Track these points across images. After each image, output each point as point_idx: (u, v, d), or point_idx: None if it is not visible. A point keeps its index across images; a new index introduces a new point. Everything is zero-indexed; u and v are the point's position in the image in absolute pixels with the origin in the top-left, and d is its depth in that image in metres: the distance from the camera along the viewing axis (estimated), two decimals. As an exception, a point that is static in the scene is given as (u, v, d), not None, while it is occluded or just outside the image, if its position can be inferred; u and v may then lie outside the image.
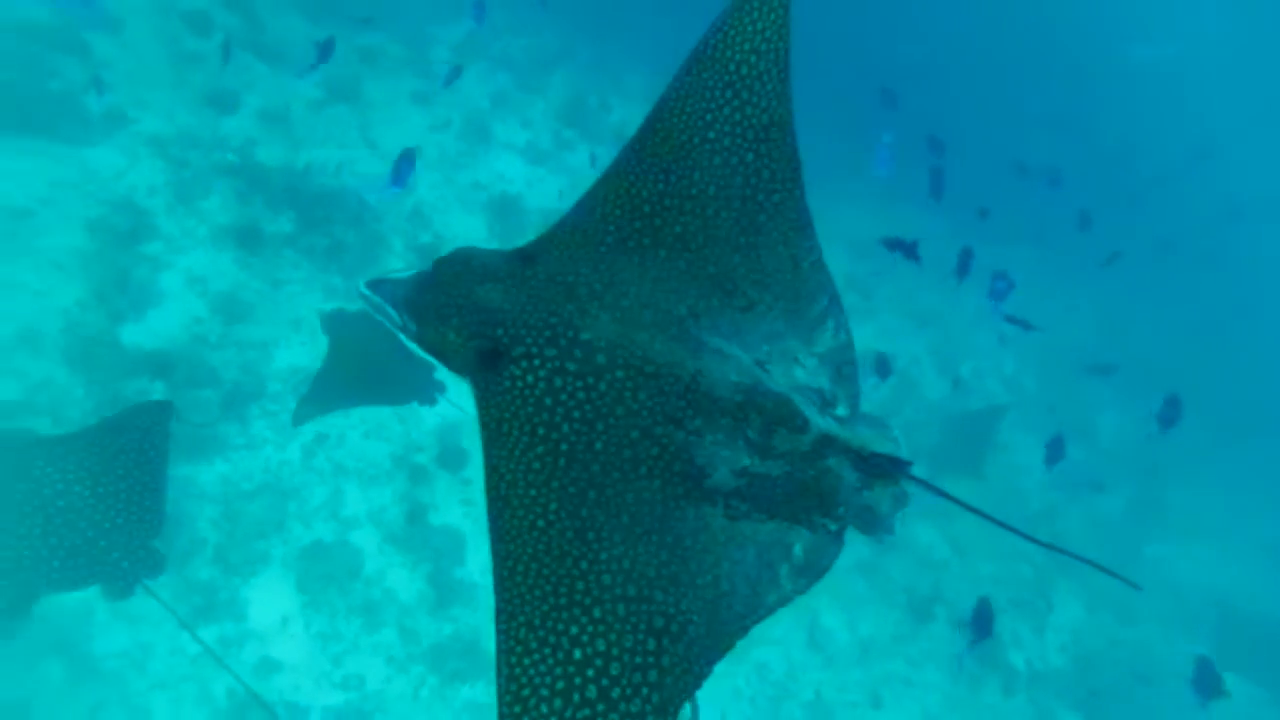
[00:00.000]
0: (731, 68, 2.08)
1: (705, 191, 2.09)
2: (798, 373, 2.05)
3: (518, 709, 1.58)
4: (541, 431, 1.82)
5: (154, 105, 7.21)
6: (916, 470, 2.03)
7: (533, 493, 1.79)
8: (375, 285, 1.99)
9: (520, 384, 1.85)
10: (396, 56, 9.47)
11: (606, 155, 5.98)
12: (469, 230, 7.70)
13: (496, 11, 11.02)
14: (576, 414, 1.83)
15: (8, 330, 5.42)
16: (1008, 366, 10.43)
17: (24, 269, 5.75)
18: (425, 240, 7.51)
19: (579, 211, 2.12)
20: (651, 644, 1.68)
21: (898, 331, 9.87)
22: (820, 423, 1.97)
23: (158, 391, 5.74)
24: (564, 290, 1.95)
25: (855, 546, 2.00)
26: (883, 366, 6.54)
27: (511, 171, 8.66)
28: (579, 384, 1.85)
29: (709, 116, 2.09)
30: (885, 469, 2.00)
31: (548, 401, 1.83)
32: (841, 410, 2.08)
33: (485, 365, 1.89)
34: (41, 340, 5.58)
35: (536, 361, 1.85)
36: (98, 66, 7.08)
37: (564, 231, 2.10)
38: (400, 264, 7.20)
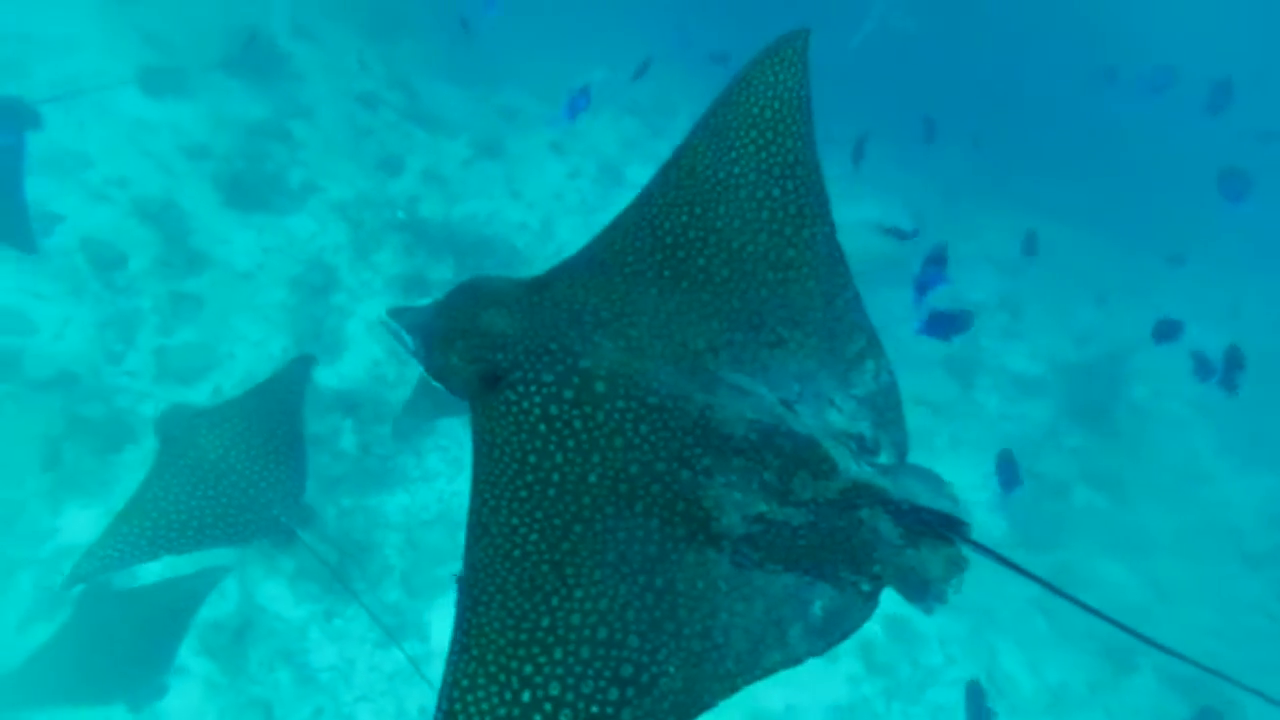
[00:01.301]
0: (755, 110, 2.13)
1: (730, 225, 2.07)
2: (832, 415, 1.93)
3: None
4: (533, 460, 1.77)
5: (337, 174, 8.45)
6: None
7: (514, 521, 1.73)
8: (396, 314, 2.09)
9: (515, 409, 1.81)
10: (533, 112, 10.45)
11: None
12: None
13: (622, 62, 11.88)
14: (571, 443, 1.78)
15: (236, 374, 6.49)
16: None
17: (246, 322, 6.90)
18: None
19: (598, 243, 2.14)
20: (614, 694, 1.58)
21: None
22: (851, 469, 1.83)
23: (347, 429, 6.60)
24: (568, 317, 1.93)
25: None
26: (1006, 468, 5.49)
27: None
28: (575, 412, 1.79)
29: (733, 154, 2.11)
30: (933, 527, 1.81)
31: (542, 429, 1.79)
32: (884, 458, 1.94)
33: (483, 389, 1.87)
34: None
35: (533, 387, 1.82)
36: (296, 147, 8.44)
37: (580, 261, 2.11)
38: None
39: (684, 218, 2.09)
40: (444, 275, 7.91)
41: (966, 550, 1.82)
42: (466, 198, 8.81)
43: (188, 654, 5.34)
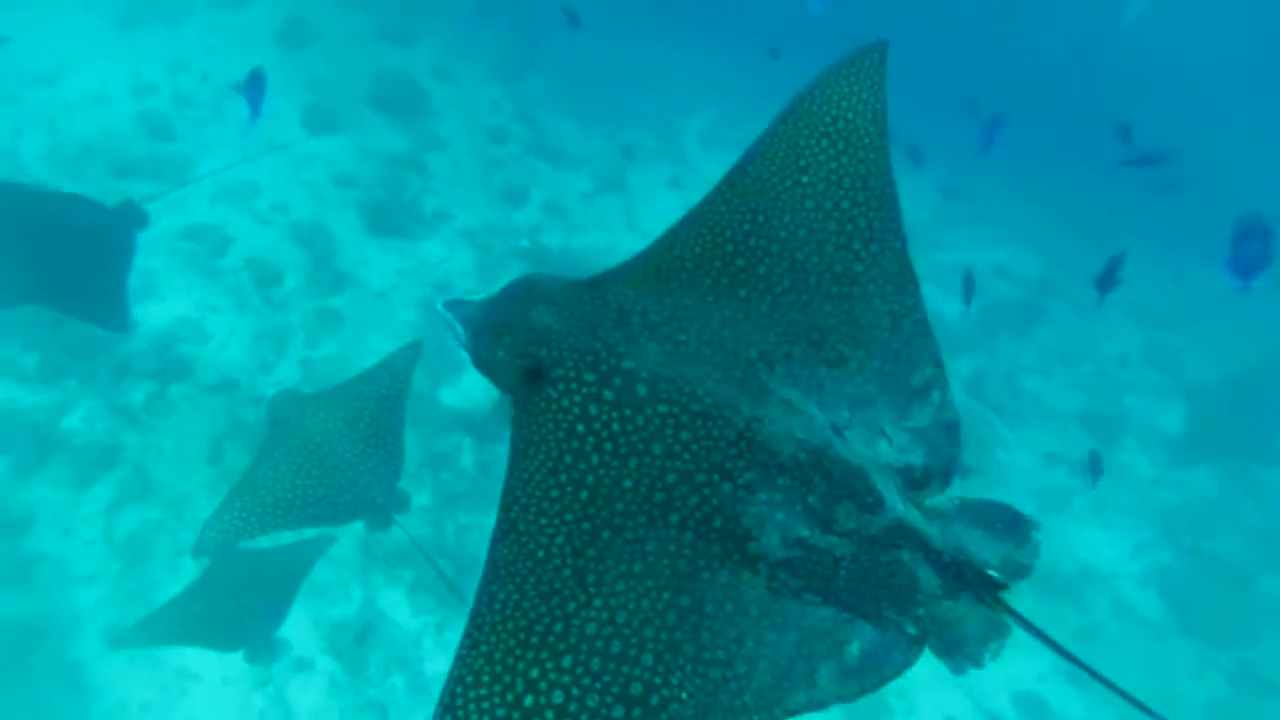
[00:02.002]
0: (828, 119, 2.05)
1: (795, 235, 1.99)
2: (881, 447, 1.84)
3: None
4: (568, 460, 1.72)
5: (467, 203, 9.06)
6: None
7: (542, 521, 1.68)
8: (451, 305, 2.04)
9: (555, 406, 1.76)
10: (652, 149, 10.86)
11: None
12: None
13: (735, 100, 12.20)
14: (608, 446, 1.71)
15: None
16: None
17: (380, 339, 7.44)
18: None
19: (656, 247, 2.07)
20: (619, 711, 1.50)
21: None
22: (898, 507, 1.73)
23: (467, 447, 6.94)
24: (616, 317, 1.87)
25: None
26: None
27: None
28: (614, 414, 1.73)
29: (803, 162, 2.03)
30: (973, 582, 1.69)
31: (579, 429, 1.73)
32: (934, 500, 1.82)
33: (526, 384, 1.83)
34: (389, 398, 7.13)
35: (574, 385, 1.77)
36: (430, 178, 9.15)
37: (637, 264, 2.05)
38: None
39: (746, 225, 2.02)
40: (562, 303, 8.27)
41: (1008, 617, 1.68)
42: (587, 229, 9.21)
43: (315, 651, 5.71)
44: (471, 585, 5.52)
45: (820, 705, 1.60)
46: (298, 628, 5.75)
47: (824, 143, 2.05)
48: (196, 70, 9.42)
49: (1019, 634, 1.67)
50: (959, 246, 10.23)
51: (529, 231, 8.92)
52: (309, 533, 5.16)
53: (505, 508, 1.72)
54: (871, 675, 1.66)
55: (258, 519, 4.06)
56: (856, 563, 1.69)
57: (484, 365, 1.94)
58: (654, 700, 1.52)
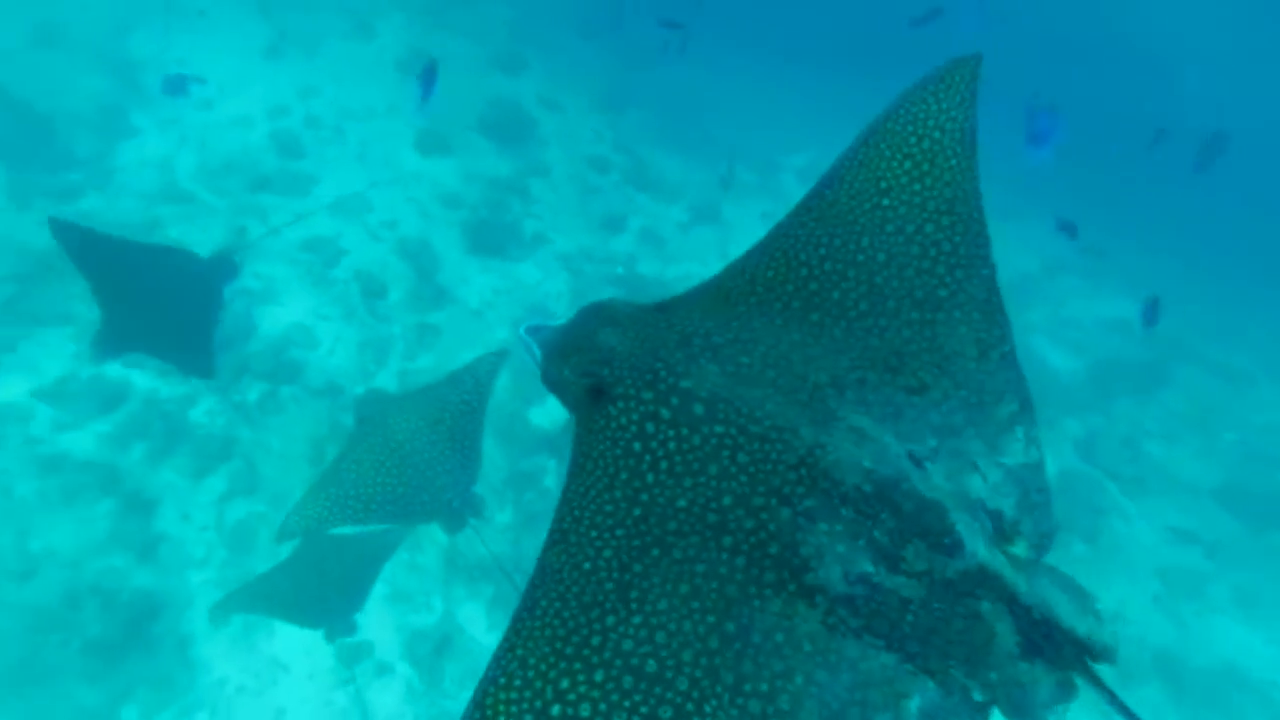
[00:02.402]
0: (912, 140, 1.98)
1: (874, 259, 1.93)
2: (973, 481, 1.72)
3: None
4: (624, 476, 1.71)
5: (565, 229, 9.39)
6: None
7: (593, 534, 1.66)
8: (532, 330, 2.10)
9: (614, 424, 1.77)
10: (749, 183, 10.96)
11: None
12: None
13: (837, 139, 12.14)
14: (664, 465, 1.70)
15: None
16: None
17: (474, 355, 7.73)
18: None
19: (729, 271, 2.05)
20: None
21: None
22: (980, 551, 1.62)
23: (551, 469, 7.10)
24: (679, 338, 1.86)
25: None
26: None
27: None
28: (670, 433, 1.72)
29: (884, 184, 1.96)
30: (1059, 646, 1.57)
31: (636, 447, 1.73)
32: (1020, 549, 1.69)
33: (589, 402, 1.84)
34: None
35: (633, 403, 1.77)
36: (531, 202, 9.55)
37: (709, 288, 2.03)
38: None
39: (821, 250, 1.96)
40: (652, 331, 8.40)
41: (1079, 678, 1.58)
42: (681, 259, 9.36)
43: (395, 656, 5.92)
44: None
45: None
46: (381, 631, 5.99)
47: (907, 164, 1.99)
48: (325, 95, 10.23)
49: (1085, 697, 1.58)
50: (1071, 297, 9.78)
51: (624, 259, 9.14)
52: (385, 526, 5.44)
53: (559, 518, 1.73)
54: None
55: (339, 510, 4.27)
56: (927, 609, 1.60)
57: (553, 385, 1.99)
58: (667, 714, 1.48)
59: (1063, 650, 1.60)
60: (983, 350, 1.86)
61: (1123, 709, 1.54)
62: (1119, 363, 8.80)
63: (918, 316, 1.89)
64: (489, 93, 10.93)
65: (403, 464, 4.35)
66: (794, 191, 11.18)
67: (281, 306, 7.85)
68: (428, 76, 6.31)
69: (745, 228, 10.00)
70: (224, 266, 5.83)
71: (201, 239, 8.27)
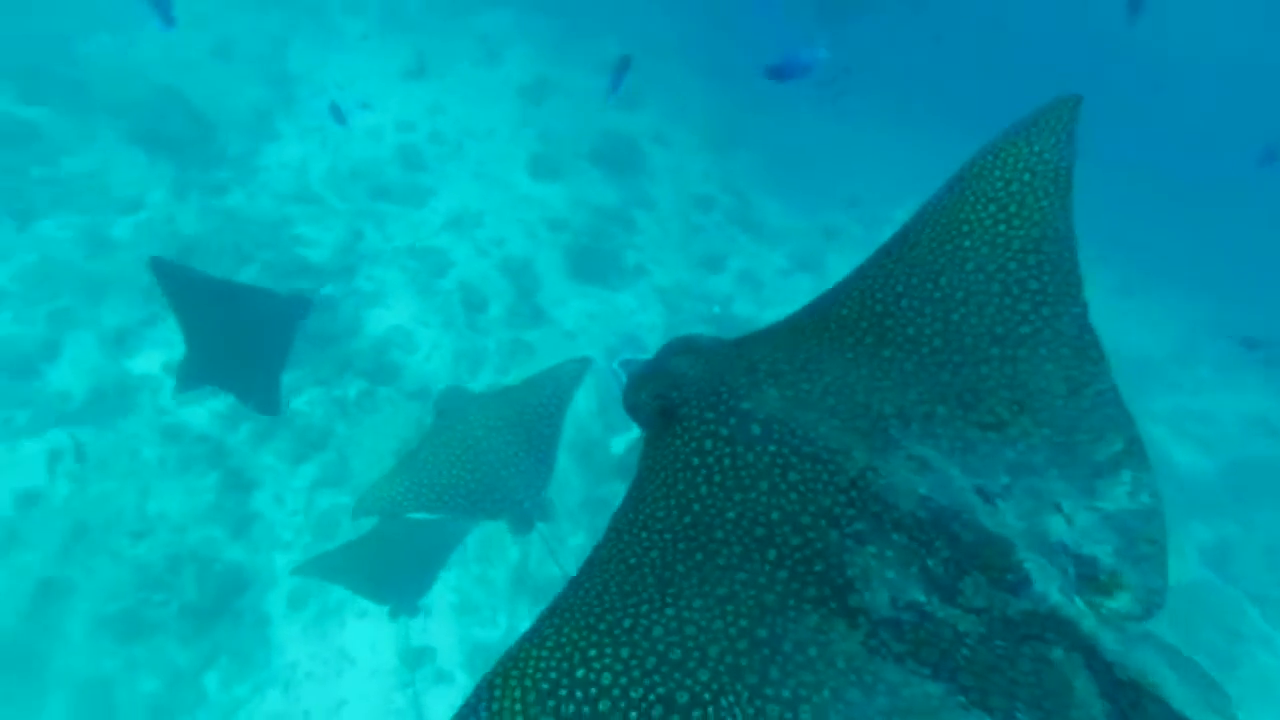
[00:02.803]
0: (999, 184, 1.98)
1: (952, 296, 1.92)
2: (1054, 522, 1.63)
3: (498, 689, 1.55)
4: (680, 488, 1.81)
5: (665, 262, 9.55)
6: None
7: (643, 534, 1.77)
8: (625, 364, 2.20)
9: (677, 441, 1.88)
10: (855, 235, 10.87)
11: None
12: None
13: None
14: (718, 478, 1.79)
15: (551, 422, 7.48)
16: None
17: (566, 377, 7.96)
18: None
19: (805, 309, 2.10)
20: (658, 711, 1.51)
21: None
22: (1051, 594, 1.53)
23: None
24: (746, 366, 1.94)
25: None
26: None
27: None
28: (726, 449, 1.82)
29: (965, 227, 1.96)
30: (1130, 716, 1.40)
31: (694, 461, 1.83)
32: (1121, 604, 1.55)
33: (659, 422, 1.96)
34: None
35: (695, 422, 1.88)
36: (635, 233, 9.79)
37: (784, 324, 2.09)
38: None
39: (899, 288, 1.98)
40: (742, 374, 8.37)
41: None
42: (778, 304, 9.33)
43: (455, 666, 6.03)
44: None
45: None
46: (445, 638, 6.13)
47: (991, 207, 1.99)
48: (451, 114, 10.90)
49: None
50: (1203, 388, 9.10)
51: (721, 298, 9.19)
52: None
53: (615, 520, 1.86)
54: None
55: (412, 496, 4.47)
56: (987, 645, 1.53)
57: (631, 408, 2.12)
58: (696, 713, 1.52)
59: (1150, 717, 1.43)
60: (1073, 388, 1.81)
61: None
62: (1261, 465, 8.01)
63: (997, 353, 1.87)
64: (602, 124, 11.36)
65: (477, 460, 4.50)
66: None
67: (387, 310, 8.31)
68: (620, 69, 7.10)
69: (847, 279, 9.90)
70: (299, 305, 6.04)
71: (322, 238, 8.94)
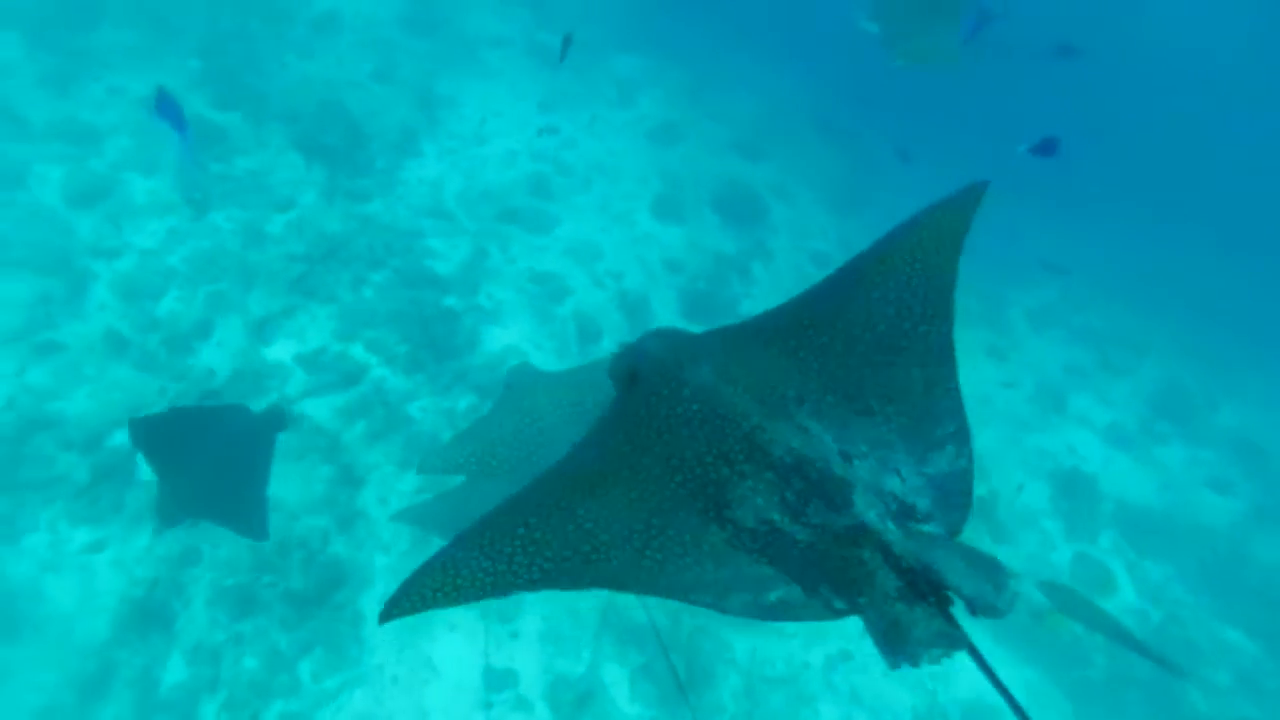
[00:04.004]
0: (913, 239, 2.64)
1: (857, 316, 2.59)
2: (890, 481, 2.29)
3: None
4: (628, 426, 2.53)
5: (776, 317, 9.56)
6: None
7: (593, 451, 2.53)
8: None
9: (634, 395, 2.64)
10: (971, 310, 10.59)
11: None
12: (1031, 494, 7.67)
13: (1079, 284, 11.52)
14: (654, 424, 2.49)
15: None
16: None
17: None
18: (980, 492, 7.75)
19: (755, 319, 2.81)
20: (567, 552, 2.25)
21: None
22: (868, 516, 2.20)
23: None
24: (693, 350, 2.68)
25: None
26: None
27: (1086, 449, 8.50)
28: (662, 406, 2.52)
29: (882, 266, 2.63)
30: (926, 594, 2.06)
31: (641, 410, 2.55)
32: (931, 528, 2.21)
33: (625, 384, 2.75)
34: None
35: (646, 384, 2.63)
36: (751, 283, 9.86)
37: (736, 327, 2.80)
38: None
39: (821, 308, 2.67)
40: (848, 439, 8.21)
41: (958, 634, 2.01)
42: (887, 372, 9.17)
43: (537, 695, 6.01)
44: (691, 696, 5.56)
45: (720, 610, 2.17)
46: (528, 665, 6.13)
47: (903, 254, 2.66)
48: (581, 148, 11.38)
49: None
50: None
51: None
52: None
53: (583, 440, 2.62)
54: (779, 614, 2.16)
55: (473, 462, 4.86)
56: (813, 550, 2.20)
57: (611, 372, 2.87)
58: (586, 547, 2.27)
59: (933, 598, 2.08)
60: (929, 387, 2.46)
61: (979, 660, 1.99)
62: None
63: (881, 359, 2.52)
64: (726, 172, 11.60)
65: (540, 434, 4.77)
66: (1022, 330, 10.71)
67: (504, 329, 8.61)
68: (565, 44, 7.28)
69: (965, 357, 9.60)
70: (275, 417, 6.00)
71: (450, 252, 9.40)
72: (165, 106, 6.34)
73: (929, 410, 2.42)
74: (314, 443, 7.10)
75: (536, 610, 6.41)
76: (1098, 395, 9.23)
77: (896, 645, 2.03)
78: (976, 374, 9.33)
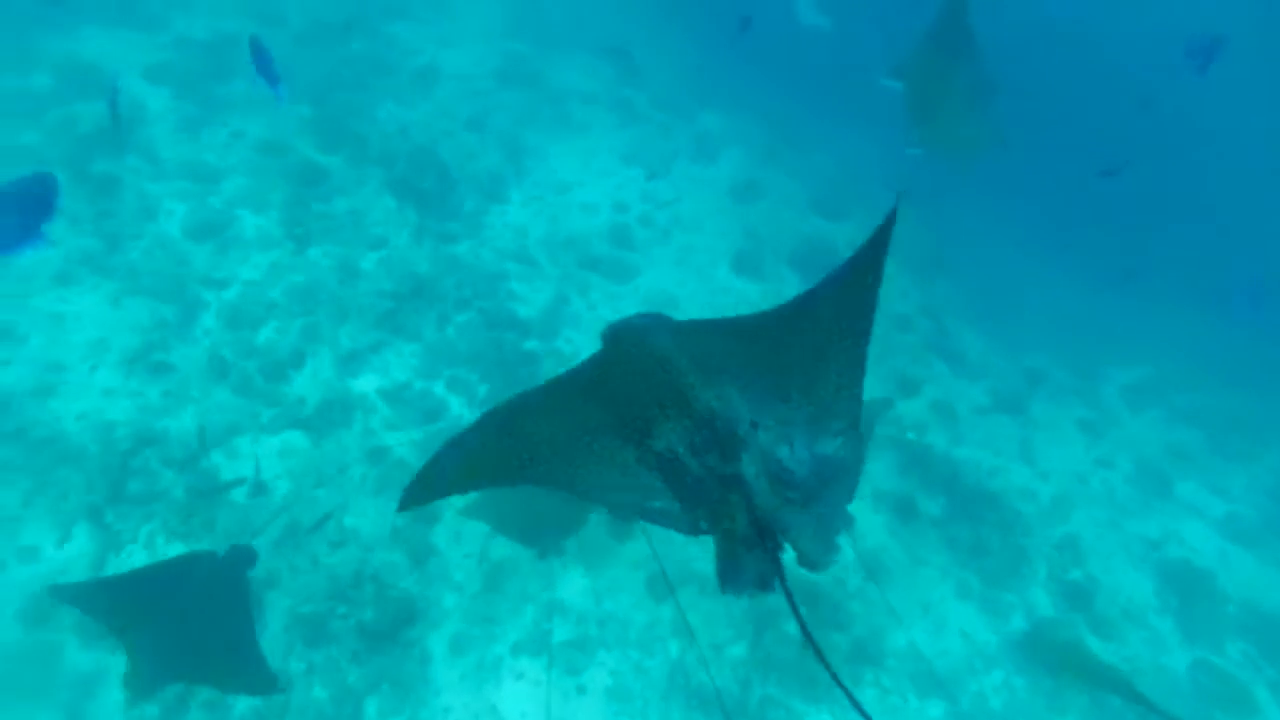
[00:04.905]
0: (851, 269, 3.35)
1: (803, 326, 3.26)
2: (780, 449, 2.91)
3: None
4: (594, 370, 3.39)
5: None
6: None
7: (559, 386, 3.35)
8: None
9: (608, 351, 3.51)
10: (1063, 383, 10.23)
11: None
12: (1132, 587, 7.21)
13: (1178, 361, 11.02)
14: (613, 370, 3.30)
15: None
16: None
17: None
18: (1074, 577, 7.33)
19: (724, 319, 3.63)
20: (512, 460, 3.10)
21: None
22: (748, 471, 2.85)
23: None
24: (661, 326, 3.54)
25: None
26: None
27: (1198, 541, 7.96)
28: (621, 361, 3.31)
29: (828, 290, 3.36)
30: (765, 542, 2.71)
31: (611, 360, 3.41)
32: (794, 495, 2.82)
33: (608, 342, 3.58)
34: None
35: (619, 344, 3.46)
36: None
37: (709, 321, 3.66)
38: (1042, 589, 7.18)
39: (779, 315, 3.38)
40: (932, 511, 7.93)
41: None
42: (972, 443, 8.87)
43: (601, 756, 5.85)
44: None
45: (611, 507, 3.95)
46: (593, 722, 6.00)
47: (844, 281, 3.33)
48: (664, 200, 11.66)
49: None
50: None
51: (914, 425, 8.89)
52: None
53: (556, 377, 3.48)
54: (654, 520, 2.89)
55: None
56: (700, 482, 2.88)
57: (601, 335, 3.68)
58: (526, 455, 3.09)
59: (768, 545, 2.69)
60: (838, 388, 3.09)
61: (791, 603, 2.58)
62: None
63: (809, 362, 3.16)
64: (805, 231, 11.66)
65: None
66: (1117, 406, 10.26)
67: (580, 376, 8.72)
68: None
69: (1056, 430, 9.27)
70: (242, 555, 5.60)
71: (532, 296, 9.66)
72: (259, 57, 6.43)
73: (833, 407, 3.05)
74: (393, 476, 7.26)
75: (605, 664, 6.31)
76: (1208, 482, 8.69)
77: (730, 575, 2.74)
78: (1067, 449, 8.94)
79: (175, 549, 6.05)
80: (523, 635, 6.38)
